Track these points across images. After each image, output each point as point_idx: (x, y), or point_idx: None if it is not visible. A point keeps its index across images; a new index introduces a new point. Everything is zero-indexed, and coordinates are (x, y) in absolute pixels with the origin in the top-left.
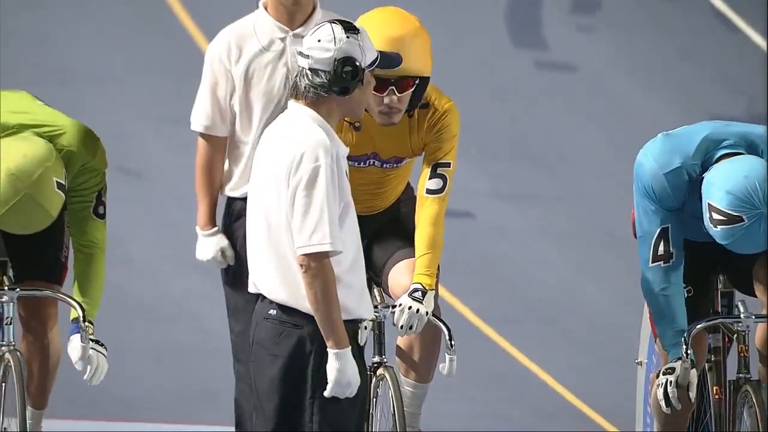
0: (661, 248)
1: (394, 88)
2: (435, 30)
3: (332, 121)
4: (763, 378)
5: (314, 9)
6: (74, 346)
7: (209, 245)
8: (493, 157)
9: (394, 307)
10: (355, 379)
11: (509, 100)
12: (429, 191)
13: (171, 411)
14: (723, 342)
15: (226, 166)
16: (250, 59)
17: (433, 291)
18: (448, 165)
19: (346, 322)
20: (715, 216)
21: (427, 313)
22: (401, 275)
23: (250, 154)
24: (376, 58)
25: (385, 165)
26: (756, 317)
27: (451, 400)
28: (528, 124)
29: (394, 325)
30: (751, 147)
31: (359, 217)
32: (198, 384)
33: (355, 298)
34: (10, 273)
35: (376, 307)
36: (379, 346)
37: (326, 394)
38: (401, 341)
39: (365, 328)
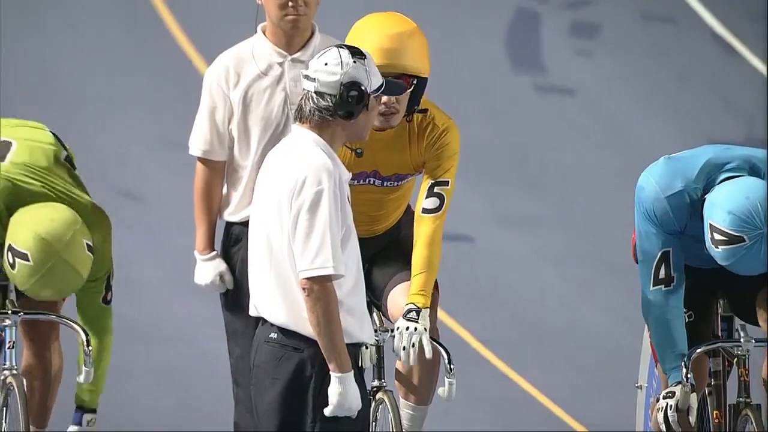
0: (662, 272)
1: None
2: (434, 52)
3: (336, 145)
4: None
5: (313, 33)
6: None
7: (208, 269)
8: (492, 180)
9: (392, 331)
10: (356, 403)
11: (508, 123)
12: (425, 210)
13: None
14: (723, 366)
15: (225, 190)
16: (249, 84)
17: (428, 309)
18: (446, 183)
19: (347, 345)
20: (717, 236)
21: (425, 329)
22: (401, 298)
23: (249, 178)
24: (382, 84)
25: (385, 183)
26: (756, 341)
27: (450, 424)
28: (527, 147)
29: (394, 351)
30: (753, 170)
31: (359, 240)
32: (198, 407)
33: (356, 322)
34: (12, 296)
35: (375, 330)
36: (379, 370)
37: (327, 414)
38: (400, 365)
39: (366, 348)
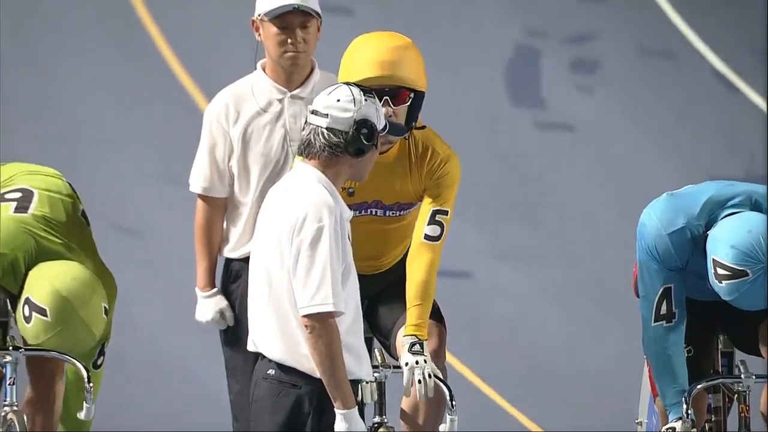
0: (663, 308)
1: (388, 98)
2: (434, 87)
3: (339, 182)
4: None
5: (312, 70)
6: None
7: (209, 306)
8: (491, 215)
9: (396, 367)
10: None
11: (508, 158)
12: (427, 237)
13: None
14: (723, 402)
15: (225, 226)
16: (248, 120)
17: (427, 340)
18: (446, 213)
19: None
20: (720, 271)
21: (425, 361)
22: None
23: (249, 214)
24: (386, 125)
25: (387, 213)
26: (756, 377)
27: None
28: (527, 182)
29: (404, 386)
30: (755, 206)
31: (361, 276)
32: None
33: (354, 360)
34: (13, 333)
35: (376, 367)
36: (380, 407)
37: None
38: (405, 403)
39: (366, 384)
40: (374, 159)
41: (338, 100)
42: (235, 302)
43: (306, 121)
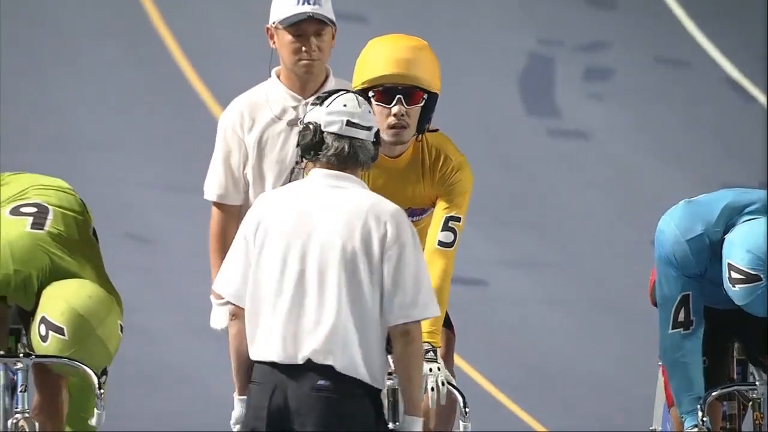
0: (681, 315)
1: (401, 97)
2: (447, 95)
3: None
4: None
5: (327, 77)
6: None
7: (223, 314)
8: (504, 224)
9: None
10: None
11: (522, 168)
12: (441, 243)
13: None
14: (738, 409)
15: None
16: (263, 128)
17: (440, 347)
18: (458, 219)
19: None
20: (734, 275)
21: (439, 368)
22: None
23: None
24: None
25: None
26: None
27: None
28: (540, 191)
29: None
30: None
31: None
32: None
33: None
34: (24, 340)
35: (390, 374)
36: (394, 413)
37: None
38: None
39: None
40: None
41: (369, 112)
42: None
43: (332, 131)
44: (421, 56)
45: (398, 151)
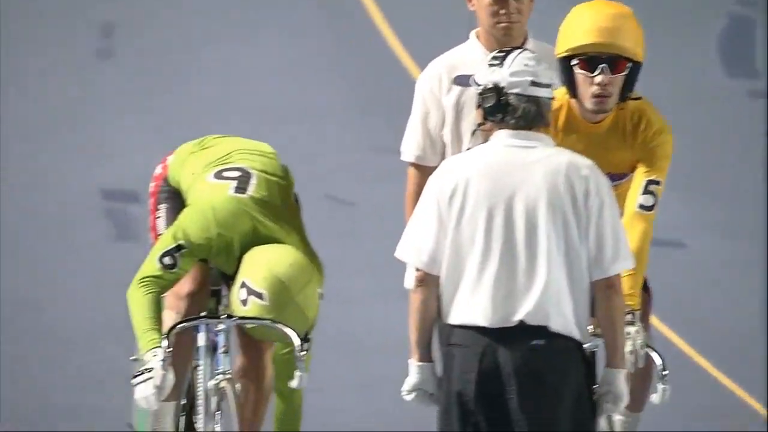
0: None
1: (605, 66)
2: (646, 60)
3: None
4: None
5: (525, 40)
6: None
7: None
8: (702, 186)
9: (598, 336)
10: None
11: (722, 129)
12: (641, 207)
13: None
14: None
15: None
16: (461, 90)
17: (639, 311)
18: (658, 183)
19: None
20: None
21: (638, 331)
22: None
23: None
24: None
25: None
26: None
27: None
28: (739, 153)
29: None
30: None
31: None
32: (408, 418)
33: None
34: (225, 301)
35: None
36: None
37: (604, 413)
38: None
39: None
40: None
41: (548, 68)
42: None
43: (517, 92)
44: (626, 25)
45: (600, 117)
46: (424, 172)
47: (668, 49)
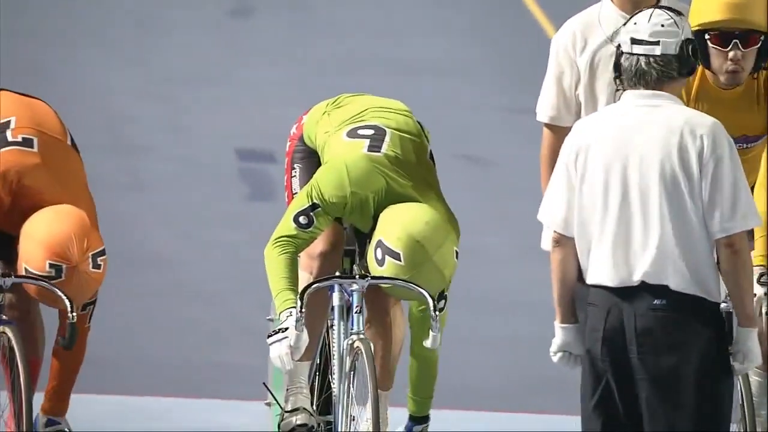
0: None
1: (738, 41)
2: None
3: None
4: None
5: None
6: None
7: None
8: None
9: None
10: None
11: None
12: None
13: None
14: None
15: None
16: (595, 49)
17: None
18: None
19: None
20: None
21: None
22: None
23: None
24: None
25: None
26: None
27: None
28: None
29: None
30: None
31: None
32: (548, 375)
33: None
34: (360, 261)
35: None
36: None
37: (737, 373)
38: None
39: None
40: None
41: (662, 26)
42: None
43: (624, 51)
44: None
45: (731, 86)
46: (559, 132)
47: None
